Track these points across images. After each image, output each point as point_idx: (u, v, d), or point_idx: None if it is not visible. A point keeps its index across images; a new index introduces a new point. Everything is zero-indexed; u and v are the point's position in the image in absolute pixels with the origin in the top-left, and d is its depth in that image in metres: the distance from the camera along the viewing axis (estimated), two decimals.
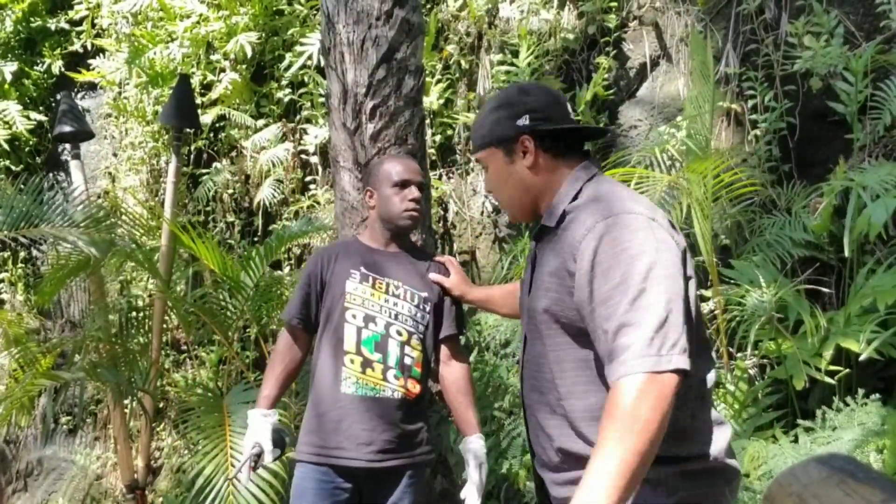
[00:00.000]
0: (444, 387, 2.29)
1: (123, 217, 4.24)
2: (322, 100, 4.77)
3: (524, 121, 1.47)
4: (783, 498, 0.95)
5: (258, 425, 2.15)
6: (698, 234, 3.17)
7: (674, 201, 3.33)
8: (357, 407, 2.11)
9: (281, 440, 2.17)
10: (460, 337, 2.31)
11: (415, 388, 2.17)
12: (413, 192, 2.22)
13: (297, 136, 5.09)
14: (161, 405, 5.04)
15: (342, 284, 2.18)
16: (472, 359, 3.77)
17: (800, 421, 2.91)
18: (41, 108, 6.18)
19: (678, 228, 1.42)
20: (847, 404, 2.77)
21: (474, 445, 2.20)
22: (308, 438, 2.16)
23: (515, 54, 4.20)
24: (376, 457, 2.10)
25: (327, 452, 2.11)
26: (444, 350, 2.27)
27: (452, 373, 2.27)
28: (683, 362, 1.20)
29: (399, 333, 2.16)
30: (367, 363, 2.14)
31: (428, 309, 2.22)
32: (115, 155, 5.98)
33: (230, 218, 5.32)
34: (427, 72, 4.45)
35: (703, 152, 3.18)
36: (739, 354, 3.17)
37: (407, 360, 2.16)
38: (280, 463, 2.42)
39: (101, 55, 5.89)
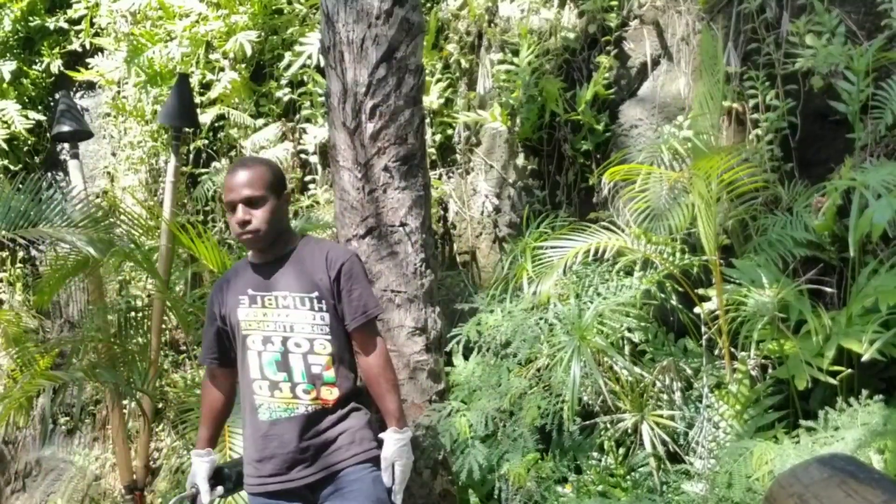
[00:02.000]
0: (364, 376, 2.22)
1: (122, 217, 4.22)
2: (321, 99, 4.76)
3: None
4: (784, 498, 0.94)
5: (195, 467, 2.20)
6: (702, 233, 3.16)
7: (676, 201, 3.32)
8: (275, 431, 2.09)
9: (223, 478, 2.20)
10: (367, 322, 2.18)
11: (331, 393, 2.10)
12: (239, 214, 2.11)
13: (297, 135, 5.08)
14: (160, 406, 5.02)
15: (236, 314, 2.16)
16: (472, 359, 3.75)
17: (801, 421, 2.90)
18: (40, 107, 6.16)
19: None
20: (849, 404, 2.77)
21: (387, 442, 2.10)
22: (246, 470, 2.19)
23: (516, 53, 4.18)
24: (307, 472, 2.08)
25: (261, 482, 2.12)
26: (355, 337, 2.18)
27: (364, 364, 2.18)
28: None
29: (298, 345, 2.10)
30: (273, 385, 2.11)
31: (324, 307, 2.12)
32: (113, 154, 5.96)
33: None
34: (427, 71, 4.44)
35: (709, 150, 3.17)
36: (741, 354, 3.16)
37: (315, 369, 2.10)
38: None
39: (99, 54, 5.87)
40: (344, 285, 2.14)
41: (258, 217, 2.11)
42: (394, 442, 2.10)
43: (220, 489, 2.19)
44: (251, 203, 2.12)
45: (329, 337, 2.12)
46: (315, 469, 2.09)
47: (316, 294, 2.12)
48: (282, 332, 2.11)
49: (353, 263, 2.19)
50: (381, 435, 2.13)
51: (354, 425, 2.13)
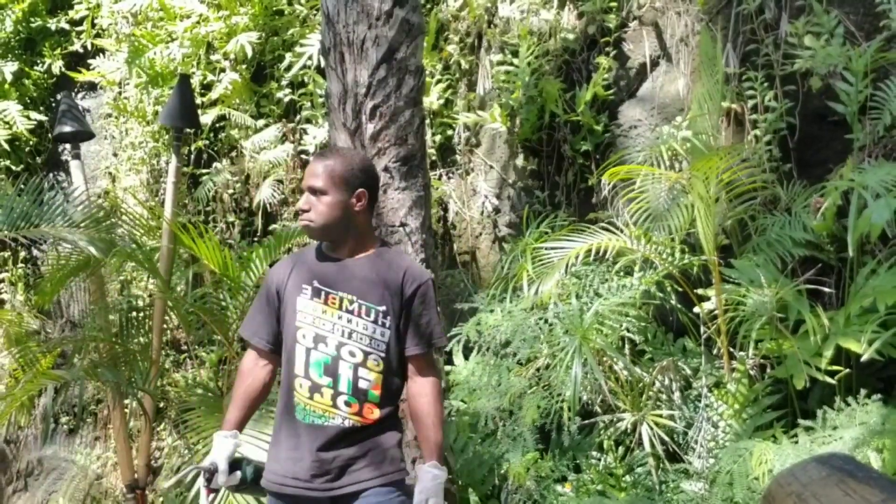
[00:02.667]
0: (408, 404, 2.10)
1: (123, 217, 4.23)
2: (322, 100, 4.77)
3: None
4: (783, 497, 0.95)
5: (218, 446, 2.05)
6: (701, 233, 3.17)
7: (676, 201, 3.33)
8: (307, 435, 1.97)
9: (240, 467, 2.05)
10: (429, 351, 2.10)
11: (372, 413, 1.99)
12: (300, 200, 2.04)
13: (297, 136, 5.09)
14: (161, 405, 5.04)
15: (294, 301, 2.03)
16: (472, 358, 3.77)
17: (800, 420, 2.92)
18: (41, 108, 6.17)
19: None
20: (848, 404, 2.78)
21: (424, 476, 1.98)
22: (270, 466, 2.05)
23: (515, 54, 4.19)
24: (333, 485, 1.96)
25: (284, 481, 2.00)
26: (409, 366, 2.07)
27: (416, 391, 2.07)
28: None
29: (352, 354, 1.98)
30: (315, 388, 1.97)
31: (388, 323, 2.01)
32: (115, 155, 5.98)
33: (230, 218, 5.32)
34: (427, 72, 4.45)
35: (708, 150, 3.18)
36: (740, 354, 3.17)
37: (362, 384, 1.98)
38: None
39: (101, 55, 5.89)
40: (416, 308, 2.04)
41: (316, 208, 2.01)
42: (432, 477, 1.98)
43: (238, 474, 2.03)
44: (314, 192, 2.02)
45: (384, 355, 2.01)
46: (340, 483, 1.98)
47: (384, 308, 2.01)
48: (339, 336, 1.98)
49: (429, 288, 2.08)
50: (418, 467, 2.03)
51: (386, 443, 2.03)
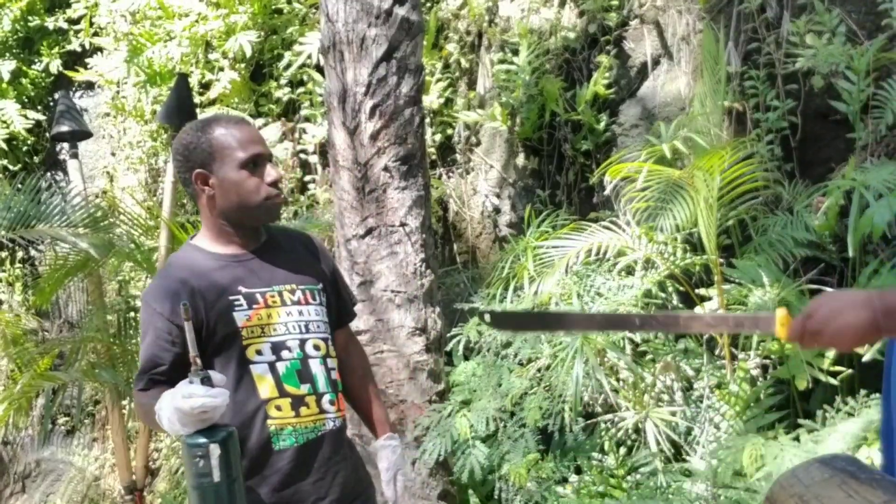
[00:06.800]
0: (347, 378, 1.83)
1: (122, 217, 4.22)
2: (321, 98, 4.75)
3: None
4: (785, 499, 0.94)
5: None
6: (703, 231, 3.16)
7: (677, 199, 3.32)
8: (300, 460, 1.65)
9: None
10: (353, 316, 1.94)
11: (343, 403, 1.78)
12: (271, 172, 1.65)
13: (297, 135, 5.08)
14: None
15: (229, 321, 1.61)
16: (473, 359, 3.76)
17: (801, 421, 2.90)
18: (39, 107, 6.16)
19: None
20: (847, 404, 2.77)
21: (385, 451, 1.81)
22: None
23: (516, 53, 4.18)
24: None
25: None
26: (340, 338, 1.84)
27: (355, 363, 1.86)
28: None
29: (317, 348, 1.70)
30: (298, 402, 1.65)
31: (323, 301, 1.77)
32: (113, 154, 5.96)
33: None
34: (427, 70, 4.44)
35: (711, 148, 3.17)
36: (742, 355, 3.16)
37: (333, 375, 1.74)
38: None
39: (99, 54, 5.88)
40: (336, 275, 1.85)
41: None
42: (392, 449, 1.81)
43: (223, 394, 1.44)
44: (272, 160, 1.72)
45: (332, 336, 1.78)
46: (348, 501, 1.73)
47: (321, 286, 1.77)
48: (297, 333, 1.67)
49: None
50: (377, 443, 1.84)
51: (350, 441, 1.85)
